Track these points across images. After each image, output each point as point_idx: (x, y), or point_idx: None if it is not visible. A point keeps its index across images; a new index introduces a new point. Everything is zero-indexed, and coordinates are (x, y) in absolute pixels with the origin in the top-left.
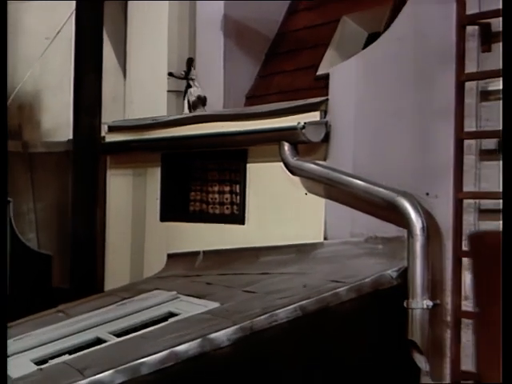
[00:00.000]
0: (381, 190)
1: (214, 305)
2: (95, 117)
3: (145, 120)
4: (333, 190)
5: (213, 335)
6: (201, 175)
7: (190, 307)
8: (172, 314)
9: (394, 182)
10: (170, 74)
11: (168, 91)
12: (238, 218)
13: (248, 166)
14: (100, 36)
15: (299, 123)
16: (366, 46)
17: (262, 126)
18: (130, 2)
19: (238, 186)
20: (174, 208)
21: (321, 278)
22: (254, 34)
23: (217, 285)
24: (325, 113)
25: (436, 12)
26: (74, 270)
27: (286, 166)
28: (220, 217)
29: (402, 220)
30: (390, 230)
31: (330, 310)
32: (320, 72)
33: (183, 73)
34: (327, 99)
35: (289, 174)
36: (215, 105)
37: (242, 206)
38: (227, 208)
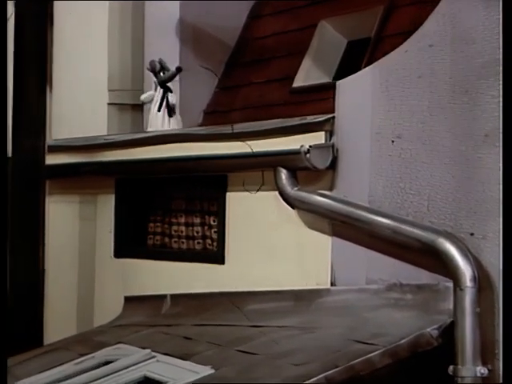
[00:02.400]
0: (416, 230)
1: (205, 370)
2: (38, 137)
3: (95, 139)
4: (343, 226)
5: None
6: (165, 204)
7: (173, 372)
8: (150, 381)
9: (426, 220)
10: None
11: (109, 104)
12: (216, 255)
13: (228, 194)
14: (44, 42)
15: (302, 146)
16: (345, 55)
17: (249, 148)
18: (56, 2)
19: (212, 218)
20: (132, 242)
21: (338, 337)
22: (213, 40)
23: (198, 340)
24: (330, 134)
25: (480, 13)
26: (14, 318)
27: (284, 197)
28: (192, 254)
29: (443, 266)
30: (420, 275)
31: (362, 380)
32: (297, 84)
33: (161, 75)
34: (333, 117)
35: (285, 205)
36: None
37: (220, 241)
38: (198, 243)
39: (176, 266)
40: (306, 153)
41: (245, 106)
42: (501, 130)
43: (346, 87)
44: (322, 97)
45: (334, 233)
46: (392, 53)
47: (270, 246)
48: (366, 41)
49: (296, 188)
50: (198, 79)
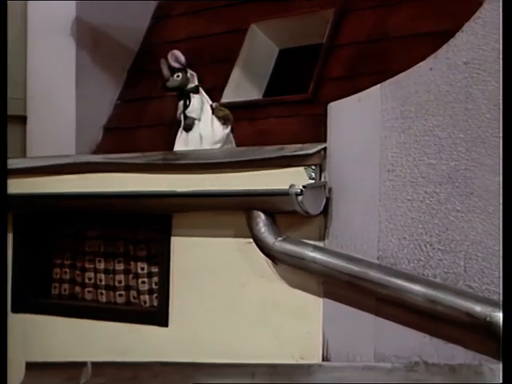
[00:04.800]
0: (461, 300)
1: None
2: None
3: None
4: (339, 286)
5: None
6: (77, 245)
7: None
8: None
9: (462, 284)
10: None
11: None
12: (157, 314)
13: (174, 239)
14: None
15: (293, 186)
16: (276, 65)
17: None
18: None
19: (140, 265)
20: (36, 293)
21: None
22: (114, 44)
23: None
24: (320, 168)
25: None
26: None
27: (263, 248)
28: (122, 311)
29: (489, 342)
30: (452, 352)
31: None
32: (226, 99)
33: (179, 76)
34: (324, 148)
35: (256, 255)
36: (64, 139)
37: (163, 297)
38: (120, 295)
39: (97, 326)
40: (297, 195)
41: (156, 123)
42: None
43: (343, 111)
44: (257, 116)
45: (326, 293)
46: (410, 70)
47: (233, 305)
48: (301, 50)
49: (280, 238)
50: (96, 88)
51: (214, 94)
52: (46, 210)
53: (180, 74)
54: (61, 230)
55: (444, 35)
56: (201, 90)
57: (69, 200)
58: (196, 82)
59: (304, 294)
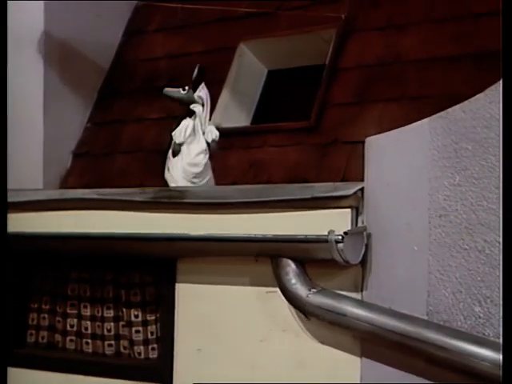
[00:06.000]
0: None
1: None
2: None
3: None
4: (381, 344)
5: None
6: (60, 287)
7: None
8: None
9: None
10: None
11: None
12: (156, 370)
13: (179, 286)
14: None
15: (332, 232)
16: (265, 87)
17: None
18: None
19: (140, 312)
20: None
21: None
22: (85, 61)
23: None
24: (357, 212)
25: None
26: None
27: (294, 301)
28: (111, 365)
29: None
30: None
31: None
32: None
33: (185, 90)
34: (362, 188)
35: (280, 305)
36: (31, 166)
37: (166, 351)
38: (125, 347)
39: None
40: (337, 242)
41: (133, 149)
42: None
43: (384, 147)
44: (251, 144)
45: (366, 352)
46: (465, 103)
47: (250, 363)
48: (292, 71)
49: (314, 290)
50: (65, 109)
51: None
52: (20, 249)
53: (189, 90)
54: (39, 271)
55: (464, 59)
56: (202, 117)
57: (52, 240)
58: (199, 107)
59: (338, 352)
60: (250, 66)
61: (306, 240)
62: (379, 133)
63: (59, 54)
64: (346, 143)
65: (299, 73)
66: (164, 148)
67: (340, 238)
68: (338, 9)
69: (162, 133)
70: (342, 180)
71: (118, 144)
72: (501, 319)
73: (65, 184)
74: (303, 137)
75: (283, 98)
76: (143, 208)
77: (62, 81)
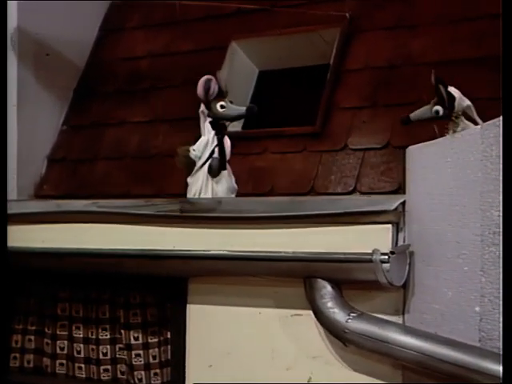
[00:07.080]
0: None
1: None
2: None
3: None
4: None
5: None
6: (48, 307)
7: None
8: None
9: None
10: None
11: None
12: None
13: (191, 307)
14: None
15: (377, 251)
16: (257, 88)
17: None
18: None
19: (140, 334)
20: None
21: None
22: (60, 59)
23: None
24: (397, 228)
25: None
26: None
27: (331, 327)
28: None
29: None
30: None
31: None
32: None
33: (223, 107)
34: (404, 202)
35: (310, 329)
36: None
37: (176, 376)
38: (123, 373)
39: None
40: (383, 262)
41: (116, 155)
42: None
43: (428, 156)
44: (251, 150)
45: (408, 382)
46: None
47: None
48: (284, 72)
49: (353, 314)
50: (39, 110)
51: (188, 122)
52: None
53: (226, 105)
54: (24, 289)
55: (480, 61)
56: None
57: (46, 257)
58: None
59: (375, 381)
60: (242, 64)
61: (346, 260)
62: (394, 140)
63: (33, 52)
64: (356, 150)
65: (292, 74)
66: (151, 154)
67: (386, 257)
68: (339, 7)
69: (148, 138)
70: (353, 191)
71: (99, 149)
72: None
73: (40, 192)
74: (308, 142)
75: (276, 100)
76: (152, 222)
77: (36, 80)
